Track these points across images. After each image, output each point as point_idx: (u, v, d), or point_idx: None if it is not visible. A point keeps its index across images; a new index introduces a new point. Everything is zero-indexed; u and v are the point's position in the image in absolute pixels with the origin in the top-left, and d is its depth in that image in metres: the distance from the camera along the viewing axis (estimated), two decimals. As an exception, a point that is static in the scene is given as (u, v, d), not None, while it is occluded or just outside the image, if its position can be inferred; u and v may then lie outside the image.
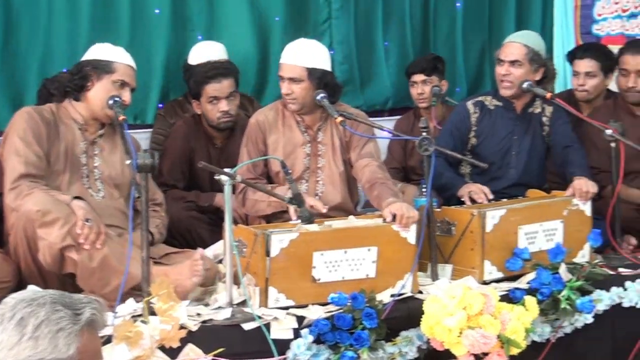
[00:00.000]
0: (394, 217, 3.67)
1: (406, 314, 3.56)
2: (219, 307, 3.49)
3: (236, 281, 3.49)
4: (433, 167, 3.81)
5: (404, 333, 3.53)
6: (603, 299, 3.87)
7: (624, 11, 6.20)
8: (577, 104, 5.21)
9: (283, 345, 3.33)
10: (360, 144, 4.25)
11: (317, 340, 3.37)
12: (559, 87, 5.85)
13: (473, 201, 4.23)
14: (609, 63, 5.09)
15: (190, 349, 3.24)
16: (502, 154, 4.62)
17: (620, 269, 4.07)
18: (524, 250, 3.87)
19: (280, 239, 3.44)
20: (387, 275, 3.62)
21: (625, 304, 3.92)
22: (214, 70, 4.64)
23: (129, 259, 3.37)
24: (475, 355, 3.43)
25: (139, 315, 3.29)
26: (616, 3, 6.19)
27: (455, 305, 3.35)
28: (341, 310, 3.43)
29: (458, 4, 6.13)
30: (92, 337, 1.87)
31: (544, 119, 4.65)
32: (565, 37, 6.08)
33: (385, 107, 6.03)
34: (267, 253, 3.45)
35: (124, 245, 3.47)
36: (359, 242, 3.58)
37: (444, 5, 6.08)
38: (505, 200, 4.23)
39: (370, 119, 4.50)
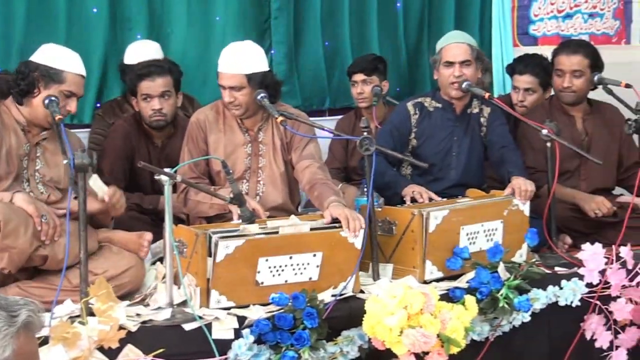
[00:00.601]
0: (335, 220, 3.68)
1: (347, 313, 3.56)
2: (159, 308, 3.47)
3: (176, 282, 3.47)
4: (374, 166, 3.82)
5: (345, 332, 3.54)
6: (540, 298, 3.92)
7: (560, 12, 6.31)
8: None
9: (224, 346, 3.32)
10: (301, 145, 4.25)
11: (258, 340, 3.36)
12: (497, 93, 5.91)
13: (414, 200, 4.25)
14: (548, 78, 5.13)
15: (130, 350, 3.22)
16: (442, 155, 4.64)
17: (557, 268, 4.12)
18: (464, 250, 3.91)
19: (226, 245, 3.41)
20: (330, 278, 3.62)
21: (561, 303, 3.96)
22: (147, 68, 4.62)
23: (66, 263, 3.35)
24: (416, 355, 3.45)
25: (77, 316, 3.26)
26: (552, 4, 6.29)
27: (396, 304, 3.37)
28: (282, 310, 3.43)
29: (398, 4, 6.16)
30: (29, 339, 1.85)
31: (482, 119, 4.70)
32: (503, 38, 6.14)
33: (323, 106, 6.03)
34: (210, 254, 3.43)
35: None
36: (305, 248, 3.56)
37: (384, 5, 6.11)
38: (444, 200, 4.26)
39: (311, 119, 4.50)
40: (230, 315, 3.43)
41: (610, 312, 4.00)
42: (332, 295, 3.59)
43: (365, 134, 3.88)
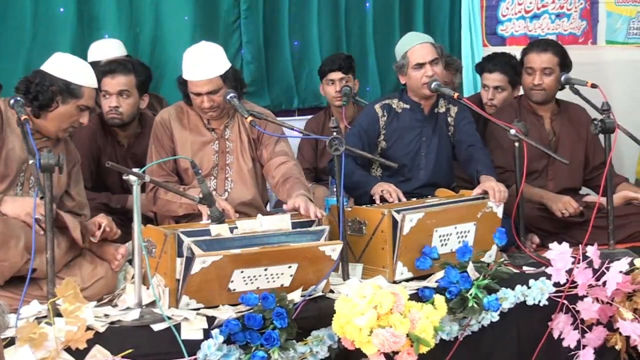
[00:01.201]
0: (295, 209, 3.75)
1: (317, 313, 3.56)
2: (128, 308, 3.45)
3: (145, 282, 3.45)
4: (343, 166, 3.82)
5: (315, 332, 3.53)
6: (508, 297, 3.93)
7: (527, 12, 6.35)
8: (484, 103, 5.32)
9: (193, 346, 3.31)
10: (272, 142, 4.26)
11: (228, 341, 3.35)
12: (467, 93, 5.93)
13: (383, 200, 4.25)
14: (517, 77, 5.16)
15: (98, 351, 3.20)
16: (411, 156, 4.64)
17: (525, 268, 4.14)
18: (433, 250, 3.91)
19: (202, 261, 3.36)
20: (302, 284, 3.60)
21: (529, 302, 3.98)
22: (109, 66, 4.61)
23: (31, 267, 3.33)
24: (386, 354, 3.45)
25: (44, 317, 3.23)
26: (520, 4, 6.33)
27: (365, 304, 3.36)
28: (251, 310, 3.41)
29: (367, 4, 6.18)
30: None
31: (449, 118, 4.70)
32: (473, 38, 6.16)
33: (292, 106, 6.03)
34: (179, 254, 3.41)
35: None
36: (281, 260, 3.53)
37: (353, 4, 6.12)
38: (414, 200, 4.26)
39: (281, 119, 4.52)
40: (199, 316, 3.41)
41: (577, 312, 4.02)
42: (302, 295, 3.58)
43: (334, 134, 3.88)
